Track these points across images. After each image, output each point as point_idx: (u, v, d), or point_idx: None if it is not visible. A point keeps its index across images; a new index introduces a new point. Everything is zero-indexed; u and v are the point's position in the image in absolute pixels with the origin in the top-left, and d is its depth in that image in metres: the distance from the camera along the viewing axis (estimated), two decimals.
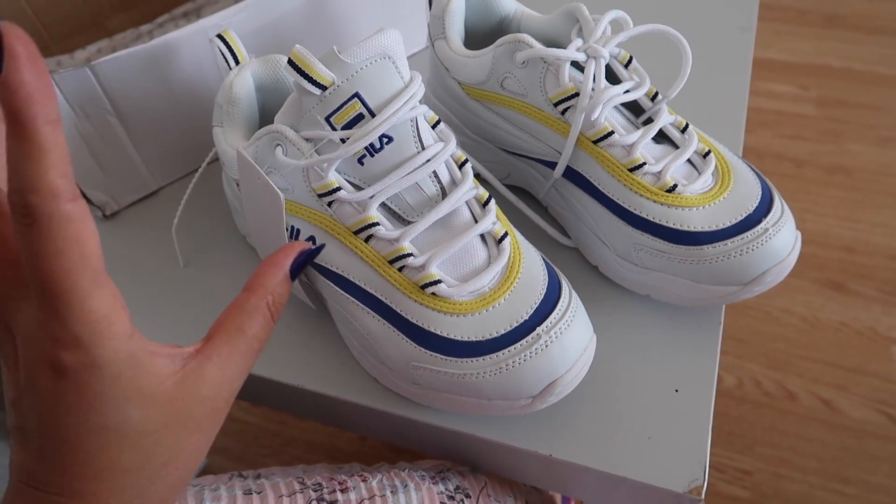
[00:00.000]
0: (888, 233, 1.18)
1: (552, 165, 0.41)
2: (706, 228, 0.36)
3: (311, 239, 0.35)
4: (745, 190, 0.37)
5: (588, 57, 0.37)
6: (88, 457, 0.22)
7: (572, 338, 0.32)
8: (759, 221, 0.36)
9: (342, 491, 0.35)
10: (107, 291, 0.22)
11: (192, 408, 0.24)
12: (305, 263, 0.29)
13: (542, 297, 0.33)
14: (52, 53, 0.59)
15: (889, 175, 1.28)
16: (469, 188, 0.35)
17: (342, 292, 0.35)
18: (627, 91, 0.38)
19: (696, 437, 0.35)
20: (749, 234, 0.35)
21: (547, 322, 0.32)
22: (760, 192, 0.37)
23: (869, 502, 0.89)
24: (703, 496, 0.34)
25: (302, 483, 0.35)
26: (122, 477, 0.22)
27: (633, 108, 0.40)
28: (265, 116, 0.42)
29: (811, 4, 1.67)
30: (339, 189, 0.34)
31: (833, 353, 1.03)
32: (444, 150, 0.34)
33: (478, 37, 0.46)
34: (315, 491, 0.34)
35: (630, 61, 0.39)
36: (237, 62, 0.40)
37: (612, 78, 0.39)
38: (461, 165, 0.36)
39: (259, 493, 0.34)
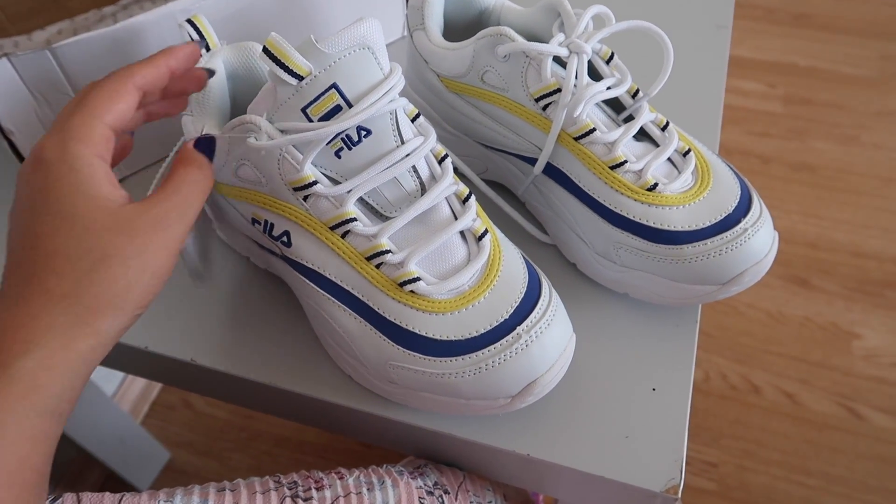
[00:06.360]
0: (850, 229, 1.21)
1: (532, 161, 0.41)
2: (686, 228, 0.36)
3: (286, 234, 0.34)
4: (725, 190, 0.37)
5: (570, 52, 0.37)
6: (39, 240, 0.27)
7: (552, 337, 0.32)
8: (739, 221, 0.36)
9: (317, 489, 0.34)
10: (109, 120, 0.29)
11: (133, 228, 0.28)
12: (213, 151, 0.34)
13: (523, 295, 0.33)
14: (8, 34, 0.56)
15: (852, 172, 1.31)
16: (449, 184, 0.34)
17: (317, 289, 0.34)
18: (610, 88, 0.37)
19: (673, 436, 0.35)
20: (728, 234, 0.35)
21: (527, 321, 0.32)
22: (739, 192, 0.37)
23: (830, 493, 0.91)
24: (679, 495, 0.34)
25: (277, 482, 0.35)
26: (63, 262, 0.27)
27: (614, 105, 0.40)
28: (237, 106, 0.40)
29: (779, 3, 1.69)
30: (315, 183, 0.33)
31: (797, 348, 1.06)
32: (423, 144, 0.34)
33: (457, 28, 0.45)
34: (290, 489, 0.34)
35: (612, 57, 0.39)
36: (208, 49, 0.38)
37: (594, 74, 0.39)
38: (441, 161, 0.35)
39: (232, 490, 0.33)
